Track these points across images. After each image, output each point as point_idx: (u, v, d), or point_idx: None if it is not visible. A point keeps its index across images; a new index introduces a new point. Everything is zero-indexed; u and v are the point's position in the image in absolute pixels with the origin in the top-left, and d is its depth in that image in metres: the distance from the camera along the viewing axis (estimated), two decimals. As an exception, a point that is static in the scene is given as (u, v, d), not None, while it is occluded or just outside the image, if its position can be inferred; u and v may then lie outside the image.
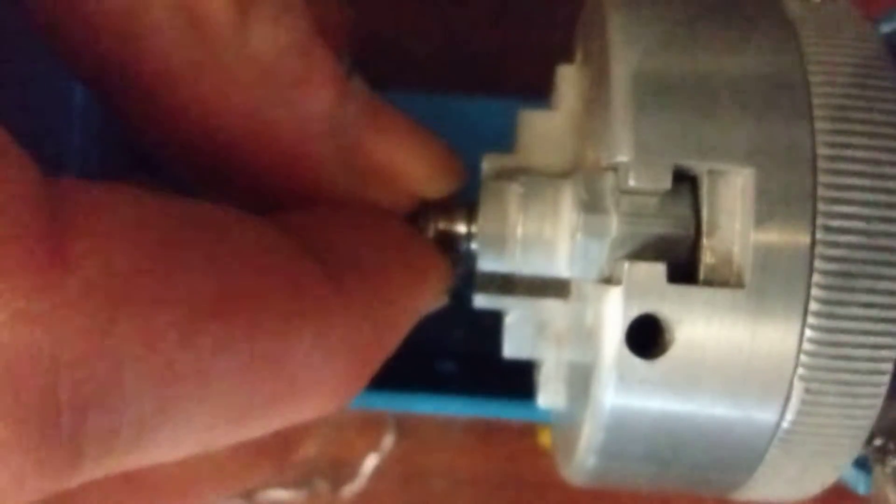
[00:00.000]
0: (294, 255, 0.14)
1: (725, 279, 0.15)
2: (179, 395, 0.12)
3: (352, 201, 0.17)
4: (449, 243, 0.19)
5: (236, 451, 0.15)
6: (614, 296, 0.15)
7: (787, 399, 0.15)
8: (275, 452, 0.17)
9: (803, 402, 0.15)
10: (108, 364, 0.11)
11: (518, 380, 0.20)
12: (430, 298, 0.18)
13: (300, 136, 0.16)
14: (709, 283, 0.15)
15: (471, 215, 0.18)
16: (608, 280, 0.15)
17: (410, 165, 0.17)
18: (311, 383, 0.14)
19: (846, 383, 0.15)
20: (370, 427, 0.32)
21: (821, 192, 0.14)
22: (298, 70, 0.15)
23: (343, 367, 0.14)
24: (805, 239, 0.14)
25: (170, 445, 0.12)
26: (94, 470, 0.11)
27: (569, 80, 0.19)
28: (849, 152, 0.15)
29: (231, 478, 0.16)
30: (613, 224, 0.15)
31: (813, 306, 0.14)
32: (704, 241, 0.15)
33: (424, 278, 0.17)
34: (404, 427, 0.32)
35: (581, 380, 0.17)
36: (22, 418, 0.10)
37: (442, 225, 0.19)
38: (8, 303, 0.10)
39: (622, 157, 0.15)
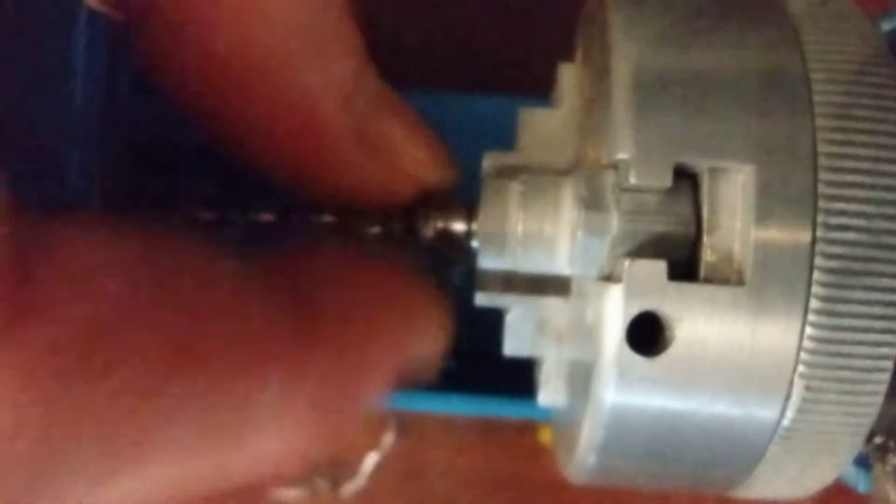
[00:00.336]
0: (264, 305, 0.14)
1: (726, 277, 0.15)
2: (137, 450, 0.12)
3: (357, 177, 0.17)
4: (449, 243, 0.19)
5: None
6: (615, 293, 0.15)
7: (788, 397, 0.15)
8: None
9: (804, 400, 0.15)
10: (69, 425, 0.11)
11: (518, 378, 0.20)
12: (424, 345, 0.18)
13: (321, 100, 0.16)
14: (709, 280, 0.15)
15: (471, 213, 0.18)
16: (609, 278, 0.15)
17: (414, 149, 0.18)
18: (274, 438, 0.14)
19: (847, 381, 0.15)
20: (370, 425, 0.32)
21: (821, 189, 0.14)
22: (331, 32, 0.15)
23: (309, 419, 0.14)
24: (806, 236, 0.14)
25: (126, 497, 0.12)
26: None
27: (569, 77, 0.19)
28: (849, 150, 0.15)
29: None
30: (614, 222, 0.15)
31: (813, 304, 0.14)
32: (705, 239, 0.15)
33: (413, 329, 0.17)
34: (405, 425, 0.32)
35: (581, 378, 0.17)
36: None
37: (442, 223, 0.19)
38: None
39: (623, 155, 0.15)
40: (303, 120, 0.16)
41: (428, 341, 0.18)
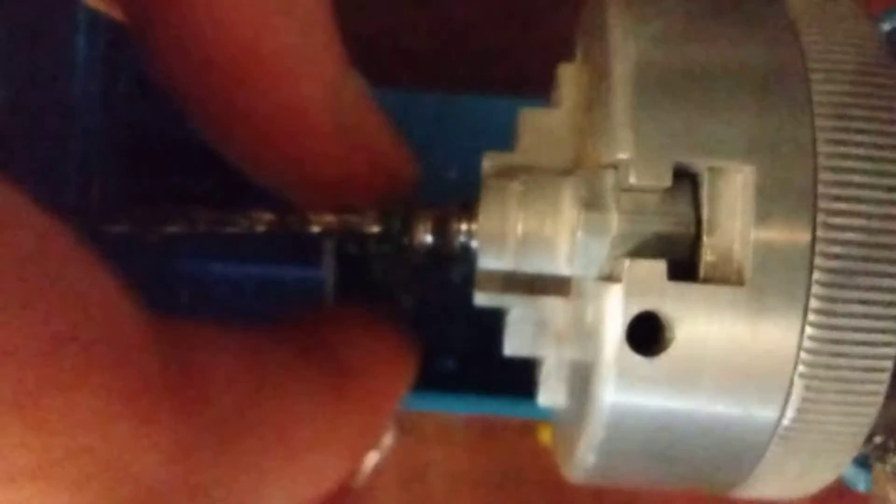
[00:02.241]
0: (312, 372, 0.17)
1: (726, 277, 0.15)
2: (260, 499, 0.14)
3: (339, 171, 0.18)
4: (449, 243, 0.19)
5: None
6: (615, 293, 0.15)
7: (788, 397, 0.15)
8: None
9: (804, 400, 0.15)
10: (225, 486, 0.13)
11: (518, 378, 0.20)
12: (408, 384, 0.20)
13: (311, 100, 0.17)
14: (709, 280, 0.15)
15: (471, 213, 0.18)
16: (608, 278, 0.15)
17: (391, 148, 0.19)
18: (338, 465, 0.17)
19: (847, 381, 0.15)
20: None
21: (821, 189, 0.14)
22: (320, 37, 0.16)
23: (346, 460, 0.17)
24: (805, 236, 0.14)
25: None
26: None
27: (569, 78, 0.19)
28: (849, 149, 0.15)
29: None
30: (614, 222, 0.15)
31: (813, 304, 0.14)
32: (705, 239, 0.15)
33: (405, 370, 0.20)
34: (405, 425, 0.32)
35: (581, 378, 0.17)
36: None
37: (440, 224, 0.19)
38: (156, 445, 0.12)
39: (623, 155, 0.15)
40: (293, 120, 0.17)
41: (411, 375, 0.20)
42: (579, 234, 0.16)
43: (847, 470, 0.19)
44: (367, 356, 0.19)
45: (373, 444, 0.19)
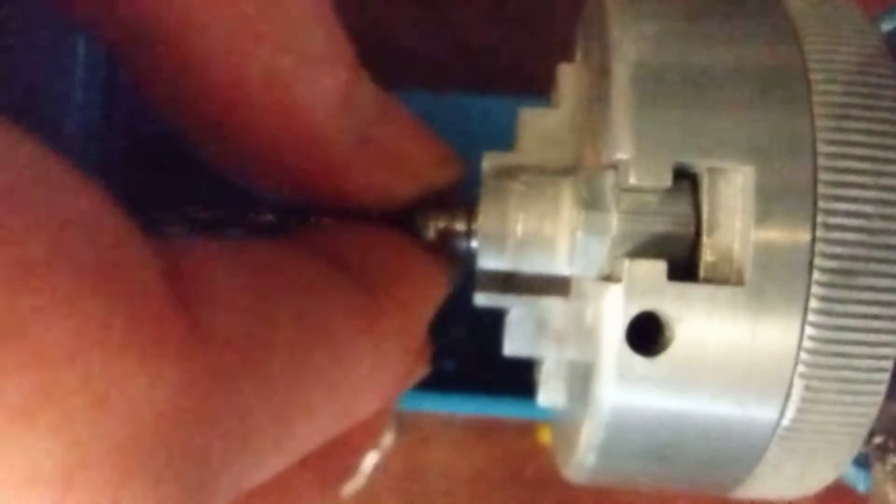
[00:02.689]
0: (346, 284, 0.16)
1: (726, 277, 0.15)
2: (290, 426, 0.14)
3: (363, 182, 0.17)
4: (449, 242, 0.19)
5: (304, 481, 0.17)
6: (614, 293, 0.15)
7: (788, 397, 0.15)
8: (335, 479, 0.18)
9: (803, 400, 0.15)
10: (244, 414, 0.12)
11: (518, 378, 0.20)
12: (439, 296, 0.19)
13: (319, 113, 0.16)
14: (709, 280, 0.15)
15: (471, 214, 0.18)
16: (608, 278, 0.15)
17: (417, 150, 0.18)
18: (373, 390, 0.16)
19: (846, 381, 0.15)
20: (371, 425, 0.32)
21: (821, 189, 0.14)
22: (321, 44, 0.16)
23: (395, 369, 0.17)
24: (805, 236, 0.14)
25: (276, 466, 0.14)
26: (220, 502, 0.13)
27: (569, 78, 0.19)
28: (849, 149, 0.15)
29: (304, 499, 0.17)
30: (614, 222, 0.15)
31: (813, 304, 0.14)
32: (705, 239, 0.15)
33: (434, 280, 0.18)
34: (404, 425, 0.32)
35: (581, 378, 0.17)
36: (183, 474, 0.11)
37: (442, 223, 0.19)
38: (169, 378, 0.11)
39: (623, 155, 0.15)
40: (301, 133, 0.16)
41: (442, 286, 0.19)
42: (579, 234, 0.16)
43: (847, 470, 0.19)
44: (397, 264, 0.18)
45: (410, 361, 0.18)
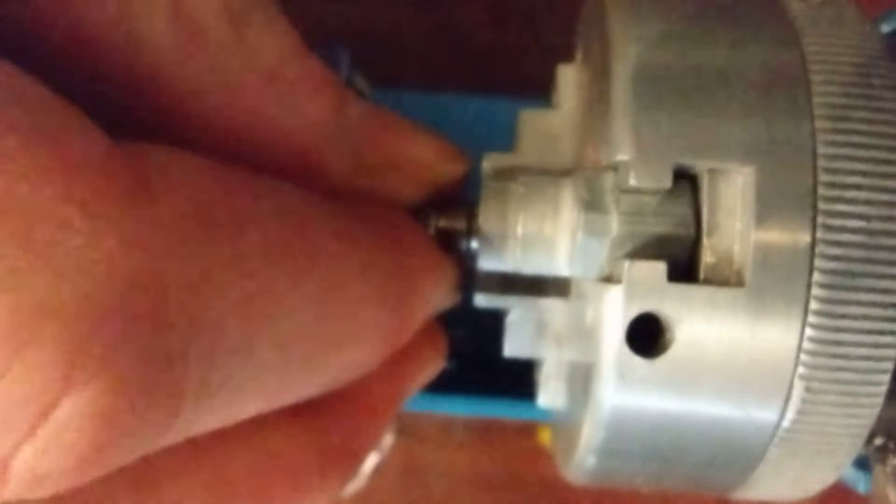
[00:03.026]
0: (333, 204, 0.15)
1: (726, 278, 0.15)
2: (263, 327, 0.13)
3: (365, 197, 0.17)
4: (449, 243, 0.19)
5: (304, 456, 0.16)
6: (615, 295, 0.15)
7: (788, 398, 0.15)
8: (340, 459, 0.17)
9: (804, 402, 0.15)
10: (207, 286, 0.12)
11: (518, 379, 0.20)
12: (445, 292, 0.19)
13: (309, 140, 0.16)
14: (709, 282, 0.15)
15: (471, 214, 0.18)
16: (608, 279, 0.15)
17: (418, 151, 0.18)
18: (367, 324, 0.15)
19: (846, 382, 0.15)
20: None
21: (821, 190, 0.14)
22: (298, 73, 0.16)
23: (385, 314, 0.16)
24: (805, 238, 0.14)
25: (249, 391, 0.13)
26: (192, 413, 0.12)
27: (569, 79, 0.19)
28: (849, 151, 0.15)
29: (302, 485, 0.16)
30: (614, 223, 0.15)
31: (813, 305, 0.14)
32: (705, 240, 0.15)
33: (439, 263, 0.18)
34: (405, 426, 0.32)
35: (581, 379, 0.17)
36: (139, 343, 0.11)
37: (443, 224, 0.19)
38: (112, 234, 0.10)
39: (623, 156, 0.15)
40: (298, 160, 0.16)
41: (446, 280, 0.19)
42: (579, 235, 0.16)
43: (847, 471, 0.19)
44: (400, 225, 0.17)
45: (414, 315, 0.17)
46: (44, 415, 0.10)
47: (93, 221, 0.10)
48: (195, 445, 0.13)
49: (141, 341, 0.11)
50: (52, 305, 0.10)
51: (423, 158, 0.18)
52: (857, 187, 0.14)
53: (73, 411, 0.10)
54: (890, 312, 0.14)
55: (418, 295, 0.17)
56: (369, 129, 0.17)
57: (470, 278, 0.18)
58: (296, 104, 0.16)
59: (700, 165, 0.15)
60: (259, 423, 0.14)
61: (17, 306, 0.10)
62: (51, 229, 0.10)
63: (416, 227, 0.18)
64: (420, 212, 0.19)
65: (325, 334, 0.14)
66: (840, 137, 0.15)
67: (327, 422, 0.17)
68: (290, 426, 0.16)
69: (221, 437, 0.14)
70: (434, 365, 0.20)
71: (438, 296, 0.18)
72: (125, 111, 0.15)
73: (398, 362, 0.18)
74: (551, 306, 0.18)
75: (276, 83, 0.15)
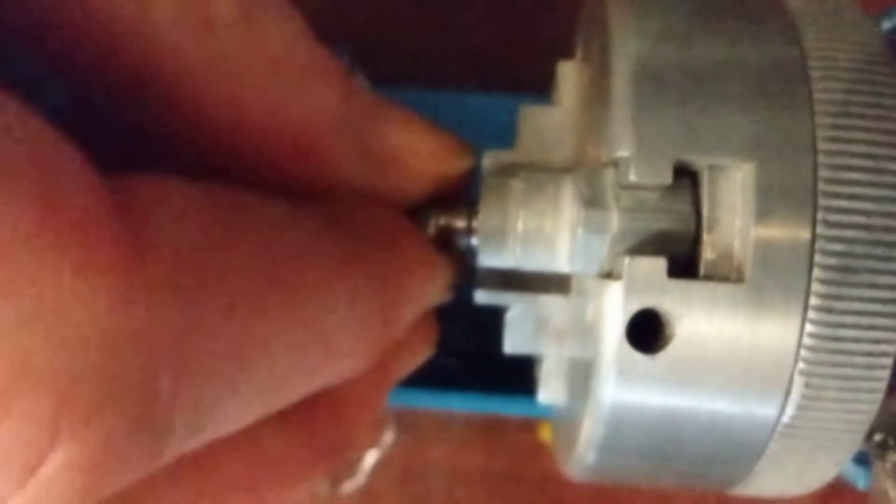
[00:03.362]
0: (320, 229, 0.15)
1: (726, 274, 0.15)
2: (250, 364, 0.13)
3: (368, 189, 0.17)
4: (450, 239, 0.19)
5: (292, 451, 0.16)
6: (615, 291, 0.15)
7: (788, 394, 0.15)
8: (328, 453, 0.17)
9: (803, 397, 0.15)
10: (196, 338, 0.12)
11: (518, 375, 0.20)
12: (437, 289, 0.19)
13: (314, 129, 0.16)
14: (709, 277, 0.15)
15: (472, 211, 0.18)
16: (609, 275, 0.15)
17: (421, 145, 0.18)
18: (348, 341, 0.15)
19: (846, 378, 0.15)
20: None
21: (821, 186, 0.14)
22: (306, 60, 0.16)
23: (372, 327, 0.16)
24: (805, 234, 0.14)
25: (236, 415, 0.13)
26: (178, 447, 0.12)
27: (569, 75, 0.19)
28: (849, 147, 0.15)
29: (289, 477, 0.17)
30: (614, 219, 0.15)
31: (813, 301, 0.14)
32: (705, 236, 0.15)
33: (433, 264, 0.18)
34: (405, 423, 0.32)
35: (581, 375, 0.17)
36: (127, 398, 0.11)
37: (443, 221, 0.19)
38: (102, 290, 0.11)
39: (623, 153, 0.15)
40: (304, 148, 0.16)
41: (440, 279, 0.19)
42: (579, 231, 0.16)
43: (847, 467, 0.19)
44: (393, 231, 0.17)
45: (397, 324, 0.17)
46: (32, 469, 0.10)
47: (84, 280, 0.10)
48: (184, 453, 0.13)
49: (127, 397, 0.11)
50: (40, 364, 0.10)
51: (428, 150, 0.18)
52: (857, 183, 0.14)
53: (60, 465, 0.10)
54: (890, 308, 0.14)
55: (409, 300, 0.17)
56: (375, 120, 0.17)
57: (470, 275, 0.18)
58: (304, 91, 0.16)
59: (700, 162, 0.15)
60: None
61: (5, 364, 0.10)
62: (41, 287, 0.10)
63: (410, 228, 0.18)
64: (421, 210, 0.19)
65: (311, 357, 0.15)
66: (840, 134, 0.15)
67: (315, 418, 0.17)
68: (278, 423, 0.16)
69: (211, 442, 0.14)
70: (423, 355, 0.20)
71: (432, 294, 0.19)
72: (134, 97, 0.15)
73: (387, 356, 0.18)
74: (551, 303, 0.18)
75: (285, 69, 0.15)
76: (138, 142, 0.16)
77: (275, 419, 0.16)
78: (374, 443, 0.31)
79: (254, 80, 0.15)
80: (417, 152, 0.18)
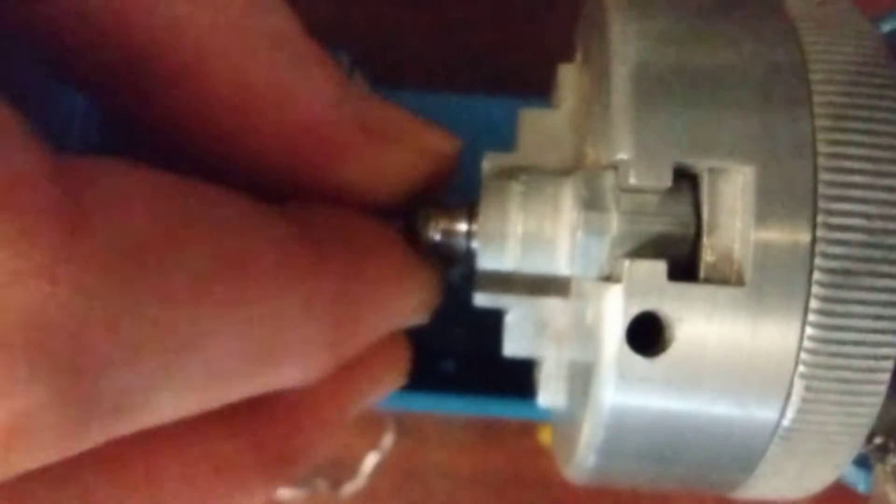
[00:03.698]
0: (282, 228, 0.15)
1: (726, 277, 0.15)
2: (185, 354, 0.13)
3: (367, 168, 0.17)
4: (449, 242, 0.19)
5: (239, 455, 0.16)
6: (615, 294, 0.15)
7: (788, 397, 0.15)
8: (279, 461, 0.17)
9: (804, 400, 0.15)
10: (129, 321, 0.12)
11: (518, 378, 0.20)
12: (410, 306, 0.18)
13: (317, 106, 0.16)
14: (709, 281, 0.15)
15: (472, 214, 0.18)
16: (608, 278, 0.15)
17: (415, 127, 0.18)
18: (297, 346, 0.15)
19: (847, 381, 0.15)
20: (370, 426, 0.32)
21: (821, 189, 0.14)
22: (307, 46, 0.16)
23: (325, 334, 0.15)
24: (805, 237, 0.14)
25: (170, 404, 0.13)
26: (104, 429, 0.12)
27: (569, 78, 0.19)
28: (849, 150, 0.15)
29: (233, 482, 0.16)
30: (614, 222, 0.15)
31: (813, 304, 0.14)
32: (705, 239, 0.15)
33: (406, 280, 0.18)
34: (404, 426, 0.32)
35: (581, 378, 0.17)
36: (50, 373, 0.11)
37: (443, 223, 0.19)
38: (34, 264, 0.11)
39: (623, 155, 0.15)
40: (304, 129, 0.16)
41: (418, 296, 0.18)
42: (579, 234, 0.16)
43: (847, 470, 0.19)
44: (366, 239, 0.17)
45: (356, 336, 0.16)
46: None
47: (10, 244, 0.10)
48: (125, 446, 0.13)
49: (50, 369, 0.11)
50: None
51: (420, 133, 0.18)
52: (858, 186, 0.14)
53: None
54: (890, 311, 0.14)
55: (376, 313, 0.17)
56: (372, 102, 0.17)
57: (470, 278, 0.18)
58: (304, 71, 0.16)
59: (700, 164, 0.15)
60: (191, 422, 0.14)
61: None
62: None
63: (390, 239, 0.18)
64: (420, 212, 0.19)
65: (254, 356, 0.14)
66: (840, 136, 0.15)
67: (265, 423, 0.17)
68: (224, 425, 0.16)
69: (152, 436, 0.14)
70: (392, 379, 0.19)
71: (404, 310, 0.18)
72: (142, 70, 0.15)
73: (351, 372, 0.17)
74: (551, 305, 0.18)
75: (288, 48, 0.15)
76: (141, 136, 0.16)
77: (220, 421, 0.16)
78: (373, 445, 0.31)
79: (259, 56, 0.15)
80: (416, 131, 0.18)
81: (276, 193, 0.17)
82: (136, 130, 0.17)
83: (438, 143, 0.18)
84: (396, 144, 0.18)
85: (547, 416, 0.22)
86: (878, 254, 0.14)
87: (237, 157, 0.16)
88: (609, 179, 0.15)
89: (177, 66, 0.15)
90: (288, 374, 0.15)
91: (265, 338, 0.14)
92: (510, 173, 0.18)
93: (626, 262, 0.15)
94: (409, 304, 0.18)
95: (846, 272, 0.14)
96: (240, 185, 0.17)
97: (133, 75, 0.15)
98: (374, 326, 0.17)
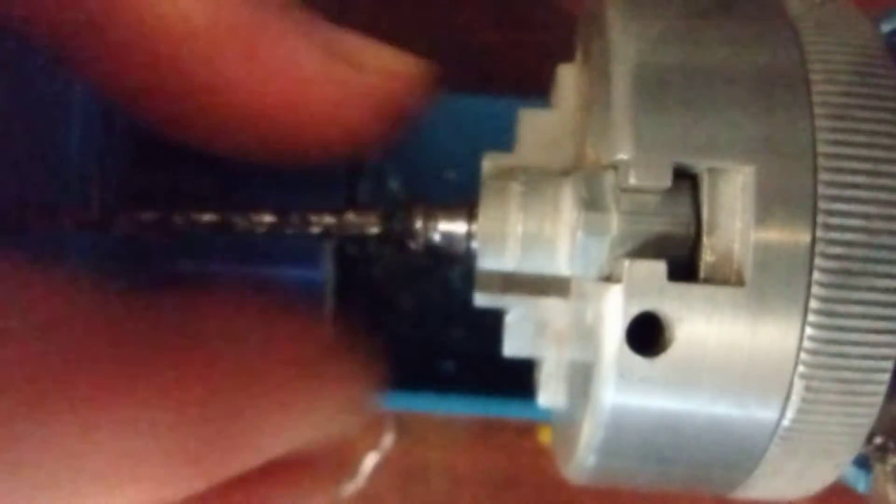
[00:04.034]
0: (122, 340, 0.13)
1: (726, 277, 0.15)
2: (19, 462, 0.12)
3: (335, 98, 0.17)
4: (449, 242, 0.19)
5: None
6: (614, 294, 0.15)
7: (788, 397, 0.15)
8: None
9: (804, 401, 0.15)
10: None
11: (518, 378, 0.20)
12: (311, 423, 0.16)
13: (275, 25, 0.16)
14: (709, 281, 0.15)
15: (471, 214, 0.18)
16: (608, 278, 0.15)
17: (376, 48, 0.18)
18: (151, 462, 0.13)
19: (847, 381, 0.15)
20: (370, 426, 0.32)
21: (821, 190, 0.14)
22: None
23: (184, 458, 0.13)
24: (805, 237, 0.14)
25: None
26: None
27: (569, 78, 0.19)
28: (849, 150, 0.15)
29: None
30: (614, 222, 0.15)
31: (813, 304, 0.14)
32: (705, 240, 0.15)
33: (304, 395, 0.15)
34: (404, 425, 0.32)
35: (581, 378, 0.17)
36: None
37: (443, 223, 0.19)
38: None
39: (623, 156, 0.15)
40: (269, 61, 0.16)
41: (328, 406, 0.16)
42: (579, 234, 0.16)
43: (847, 470, 0.19)
44: (252, 337, 0.15)
45: (219, 466, 0.14)
46: None
47: None
48: None
49: None
50: None
51: (389, 52, 0.18)
52: (857, 186, 0.14)
53: None
54: (890, 312, 0.14)
55: (254, 430, 0.14)
56: (336, 30, 0.17)
57: (470, 278, 0.18)
58: (270, 9, 0.16)
59: (700, 164, 0.15)
60: None
61: None
62: None
63: (285, 346, 0.16)
64: (420, 212, 0.19)
65: (73, 477, 0.12)
66: (840, 136, 0.15)
67: None
68: None
69: None
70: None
71: (300, 426, 0.15)
72: (152, 57, 0.15)
73: (234, 491, 0.15)
74: (551, 306, 0.18)
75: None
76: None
77: None
78: (373, 445, 0.31)
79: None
80: (377, 53, 0.18)
81: (237, 132, 0.17)
82: (128, 114, 0.17)
83: (401, 65, 0.18)
84: (359, 69, 0.17)
85: (547, 416, 0.22)
86: (877, 254, 0.14)
87: (208, 106, 0.16)
88: (609, 180, 0.15)
89: (137, 19, 0.15)
90: (145, 491, 0.13)
91: (88, 459, 0.12)
92: (510, 173, 0.18)
93: (626, 263, 0.15)
94: (309, 422, 0.16)
95: (846, 272, 0.14)
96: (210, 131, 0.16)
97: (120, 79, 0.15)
98: (257, 446, 0.15)
